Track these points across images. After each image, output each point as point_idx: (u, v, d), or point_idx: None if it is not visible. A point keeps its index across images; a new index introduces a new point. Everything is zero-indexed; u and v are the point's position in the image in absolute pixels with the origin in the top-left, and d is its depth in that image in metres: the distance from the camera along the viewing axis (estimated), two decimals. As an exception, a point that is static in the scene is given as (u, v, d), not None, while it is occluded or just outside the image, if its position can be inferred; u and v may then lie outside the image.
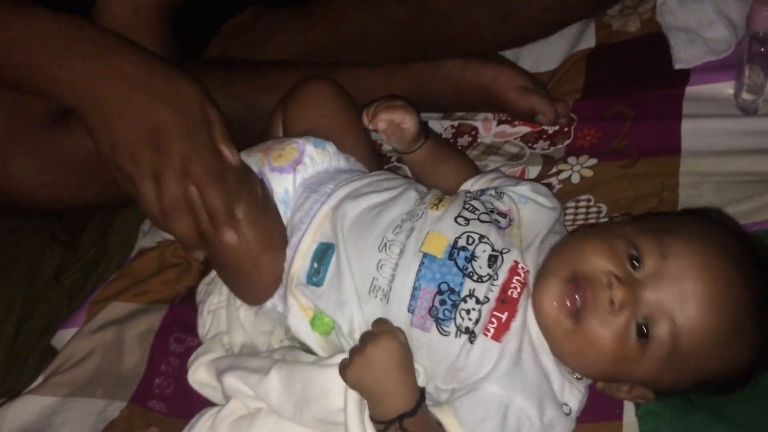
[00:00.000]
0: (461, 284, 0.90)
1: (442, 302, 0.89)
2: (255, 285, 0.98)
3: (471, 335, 0.89)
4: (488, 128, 1.30)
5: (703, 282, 0.85)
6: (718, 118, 1.20)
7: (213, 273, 1.09)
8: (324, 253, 0.95)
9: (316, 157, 1.02)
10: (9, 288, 1.21)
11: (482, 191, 1.01)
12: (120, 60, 0.94)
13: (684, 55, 1.28)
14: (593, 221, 1.12)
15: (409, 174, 1.14)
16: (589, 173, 1.18)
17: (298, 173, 1.01)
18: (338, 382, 0.87)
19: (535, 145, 1.26)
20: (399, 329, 0.89)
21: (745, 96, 1.19)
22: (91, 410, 1.04)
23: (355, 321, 0.92)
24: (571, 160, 1.21)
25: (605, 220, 1.11)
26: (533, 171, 1.21)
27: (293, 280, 0.95)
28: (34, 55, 0.94)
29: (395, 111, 1.02)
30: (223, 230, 0.94)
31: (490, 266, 0.90)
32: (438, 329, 0.89)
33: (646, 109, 1.23)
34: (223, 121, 0.96)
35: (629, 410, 0.93)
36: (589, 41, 1.36)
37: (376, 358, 0.85)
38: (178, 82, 0.95)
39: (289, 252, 0.97)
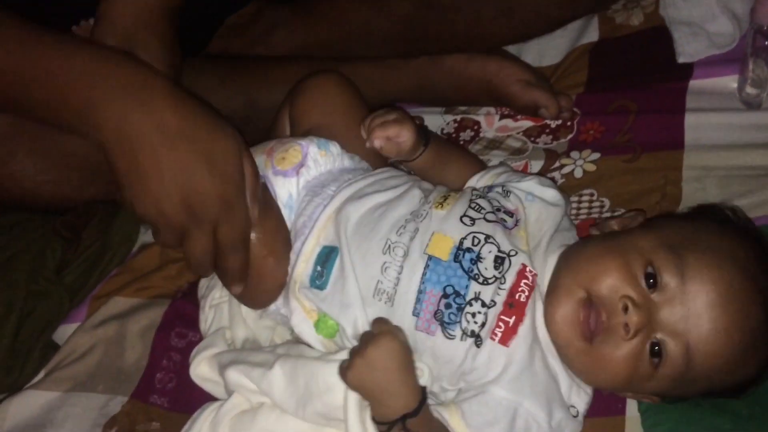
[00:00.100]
0: (466, 287, 0.89)
1: (448, 306, 0.88)
2: (259, 291, 0.97)
3: (477, 339, 0.88)
4: (491, 122, 1.30)
5: (720, 305, 0.84)
6: (721, 112, 1.19)
7: (214, 268, 1.09)
8: (327, 256, 0.94)
9: (320, 159, 1.01)
10: (11, 283, 1.20)
11: (489, 188, 1.00)
12: (162, 104, 0.88)
13: (687, 49, 1.27)
14: (596, 216, 1.12)
15: (414, 169, 1.14)
16: (592, 167, 1.18)
17: (302, 176, 1.00)
18: (342, 378, 0.87)
19: (537, 140, 1.25)
20: (399, 328, 0.89)
21: (749, 90, 1.19)
22: (93, 405, 1.04)
23: (359, 324, 0.91)
24: (574, 154, 1.21)
25: (608, 214, 1.10)
26: (536, 165, 1.21)
27: (296, 283, 0.95)
28: (71, 90, 0.89)
29: (390, 127, 1.00)
30: (232, 285, 0.95)
31: (496, 268, 0.89)
32: (443, 333, 0.88)
33: (649, 103, 1.23)
34: (256, 175, 0.93)
35: (632, 405, 0.93)
36: (592, 35, 1.36)
37: (377, 359, 0.84)
38: (219, 137, 0.90)
39: (292, 256, 0.96)
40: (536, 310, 0.90)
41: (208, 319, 1.05)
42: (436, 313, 0.88)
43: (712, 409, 0.90)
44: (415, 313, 0.89)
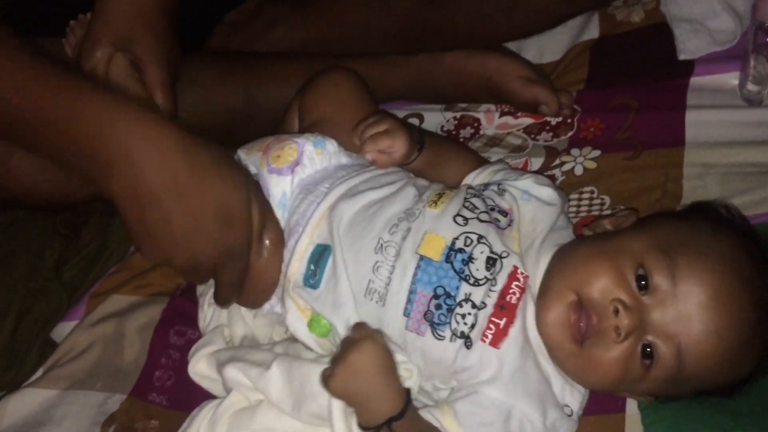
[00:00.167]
0: (457, 288, 0.88)
1: (438, 306, 0.88)
2: (252, 293, 0.97)
3: (467, 340, 0.87)
4: (491, 120, 1.29)
5: (711, 307, 0.84)
6: (722, 109, 1.19)
7: (214, 265, 1.09)
8: (321, 254, 0.94)
9: (316, 158, 1.00)
10: (9, 281, 1.21)
11: (485, 186, 1.00)
12: (175, 160, 0.87)
13: (688, 46, 1.27)
14: (596, 213, 1.11)
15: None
16: (592, 165, 1.18)
17: (297, 175, 1.00)
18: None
19: (538, 137, 1.25)
20: (378, 331, 0.88)
21: (750, 87, 1.19)
22: (91, 403, 1.04)
23: (351, 324, 0.90)
24: (575, 151, 1.20)
25: (608, 212, 1.10)
26: (536, 163, 1.21)
27: (290, 282, 0.95)
28: (86, 139, 0.87)
29: (381, 140, 0.98)
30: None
31: (487, 269, 0.89)
32: (433, 334, 0.88)
33: (650, 100, 1.23)
34: (264, 213, 0.94)
35: (632, 402, 0.93)
36: (593, 32, 1.35)
37: (359, 365, 0.84)
38: (228, 187, 0.90)
39: (286, 254, 0.96)
40: (527, 311, 0.89)
41: (207, 316, 1.05)
42: (426, 314, 0.88)
43: (712, 406, 0.89)
44: (406, 314, 0.89)
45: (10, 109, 0.88)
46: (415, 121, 1.32)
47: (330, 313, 0.92)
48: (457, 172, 1.04)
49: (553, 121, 1.26)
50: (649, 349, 0.85)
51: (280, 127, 1.15)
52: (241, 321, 1.02)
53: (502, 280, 0.89)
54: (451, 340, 0.88)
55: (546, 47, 1.36)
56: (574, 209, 1.13)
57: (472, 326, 0.87)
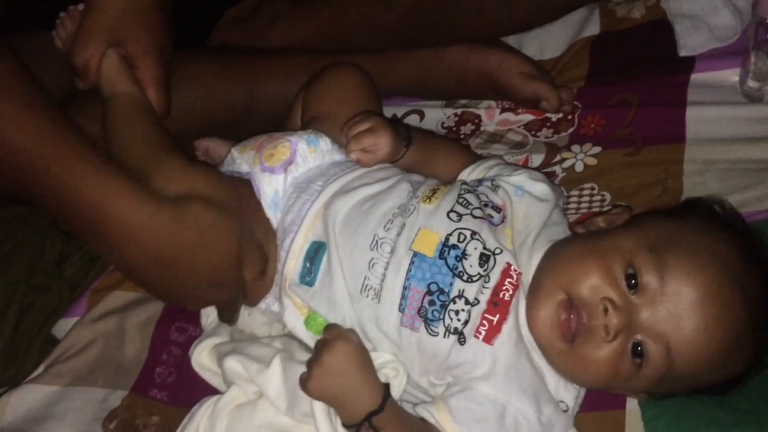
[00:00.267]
0: (451, 284, 0.89)
1: (431, 303, 0.88)
2: (247, 293, 0.98)
3: (460, 336, 0.88)
4: (491, 116, 1.29)
5: (701, 306, 0.84)
6: (723, 105, 1.19)
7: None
8: (316, 252, 0.94)
9: (309, 156, 1.00)
10: (10, 277, 1.20)
11: (479, 182, 1.00)
12: (163, 228, 0.92)
13: (689, 42, 1.27)
14: (597, 209, 1.11)
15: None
16: (593, 161, 1.18)
17: (290, 173, 1.00)
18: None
19: (538, 133, 1.25)
20: (352, 330, 0.89)
21: (751, 83, 1.19)
22: (93, 399, 1.04)
23: (347, 321, 0.91)
24: (575, 148, 1.20)
25: (608, 208, 1.10)
26: (537, 159, 1.21)
27: (287, 280, 0.95)
28: (84, 204, 0.92)
29: (364, 138, 0.98)
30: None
31: (481, 266, 0.89)
32: (427, 329, 0.88)
33: (650, 97, 1.23)
34: (255, 253, 0.96)
35: (632, 398, 0.93)
36: (594, 28, 1.35)
37: (334, 364, 0.85)
38: (217, 254, 0.94)
39: (282, 253, 0.96)
40: (520, 308, 0.90)
41: (208, 313, 1.05)
42: (419, 310, 0.88)
43: (713, 403, 0.89)
44: (401, 309, 0.89)
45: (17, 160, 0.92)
46: (415, 117, 1.32)
47: (326, 310, 0.92)
48: (449, 168, 1.04)
49: (554, 117, 1.26)
50: (639, 348, 0.85)
51: (284, 121, 1.16)
52: (240, 318, 1.03)
53: (495, 277, 0.89)
54: (444, 336, 0.88)
55: (547, 44, 1.36)
56: (574, 205, 1.13)
57: (466, 322, 0.88)
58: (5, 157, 0.91)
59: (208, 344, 0.99)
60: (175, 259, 0.92)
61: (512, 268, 0.90)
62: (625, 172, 1.15)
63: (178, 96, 1.18)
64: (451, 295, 0.88)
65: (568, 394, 0.90)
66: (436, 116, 1.31)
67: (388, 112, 1.25)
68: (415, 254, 0.90)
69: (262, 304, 0.99)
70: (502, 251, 0.90)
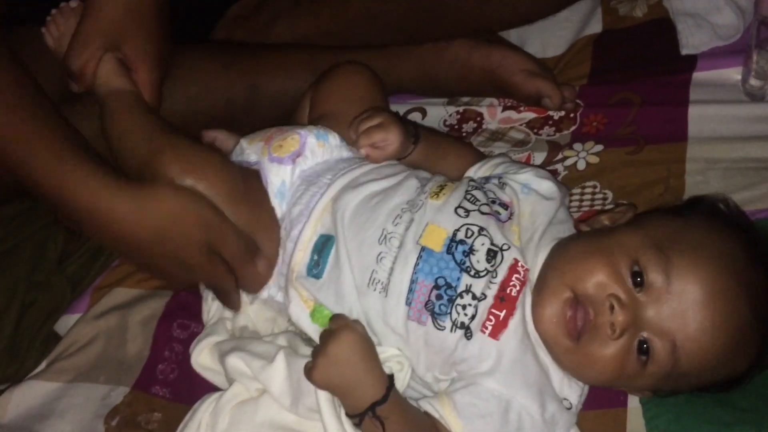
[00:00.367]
0: (458, 279, 0.89)
1: (439, 297, 0.89)
2: (248, 276, 0.98)
3: (467, 331, 0.88)
4: (493, 114, 1.29)
5: (706, 304, 0.84)
6: (725, 104, 1.19)
7: (217, 259, 1.09)
8: (324, 245, 0.94)
9: (317, 150, 1.01)
10: (12, 274, 1.21)
11: (486, 179, 1.00)
12: (140, 224, 0.94)
13: (691, 41, 1.27)
14: (599, 208, 1.11)
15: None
16: (595, 160, 1.18)
17: (297, 165, 1.00)
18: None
19: (540, 131, 1.25)
20: (357, 321, 0.89)
21: (753, 82, 1.19)
22: (95, 396, 1.04)
23: (354, 313, 0.91)
24: (577, 146, 1.20)
25: (611, 207, 1.10)
26: (539, 157, 1.21)
27: (294, 272, 0.95)
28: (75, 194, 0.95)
29: (374, 134, 0.99)
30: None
31: (488, 261, 0.89)
32: (434, 323, 0.89)
33: (652, 95, 1.23)
34: (235, 241, 0.97)
35: (633, 396, 0.93)
36: (596, 26, 1.35)
37: (339, 354, 0.85)
38: (184, 244, 0.95)
39: (290, 244, 0.96)
40: (527, 304, 0.90)
41: (210, 310, 1.05)
42: (426, 304, 0.89)
43: (714, 402, 0.89)
44: (408, 303, 0.89)
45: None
46: (417, 115, 1.32)
47: (333, 303, 0.92)
48: (456, 166, 1.04)
49: (556, 115, 1.26)
50: (645, 346, 0.85)
51: (290, 118, 1.16)
52: (244, 314, 1.03)
53: (502, 272, 0.89)
54: (451, 331, 0.88)
55: (549, 42, 1.36)
56: (576, 204, 1.13)
57: (473, 317, 0.88)
58: None
59: (208, 343, 0.99)
60: (141, 242, 0.94)
61: (519, 264, 0.90)
62: (627, 170, 1.15)
63: (180, 90, 1.18)
64: (459, 290, 0.88)
65: (572, 392, 0.90)
66: (438, 114, 1.31)
67: (391, 109, 1.25)
68: (423, 249, 0.90)
69: (265, 293, 0.99)
70: (509, 247, 0.90)
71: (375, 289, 0.90)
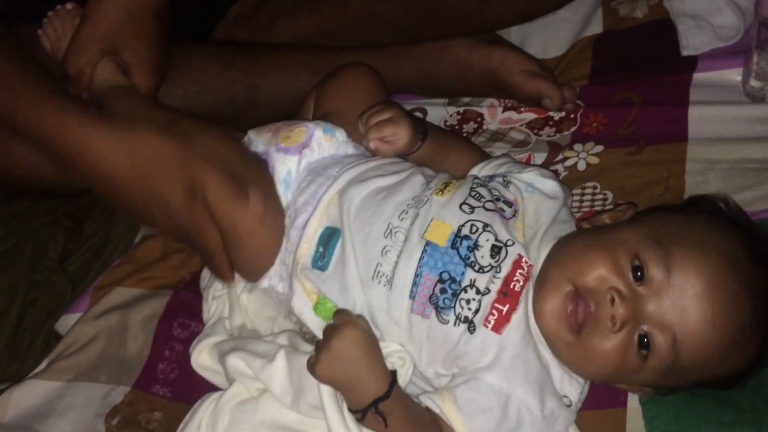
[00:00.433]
0: (462, 274, 0.89)
1: (443, 291, 0.89)
2: (245, 254, 0.98)
3: (470, 325, 0.88)
4: (494, 115, 1.29)
5: (706, 297, 0.84)
6: (725, 105, 1.19)
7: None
8: (330, 237, 0.95)
9: (324, 144, 1.02)
10: (13, 273, 1.21)
11: (490, 177, 1.01)
12: (119, 157, 0.96)
13: (692, 42, 1.27)
14: (599, 208, 1.12)
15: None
16: (595, 160, 1.18)
17: (304, 156, 1.01)
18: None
19: (541, 132, 1.25)
20: (361, 317, 0.90)
21: (753, 83, 1.19)
22: (95, 395, 1.04)
23: (357, 307, 0.92)
24: (578, 146, 1.20)
25: (611, 207, 1.10)
26: (539, 158, 1.21)
27: (299, 264, 0.95)
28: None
29: (384, 127, 0.99)
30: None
31: (492, 257, 0.90)
32: (437, 317, 0.89)
33: (653, 96, 1.23)
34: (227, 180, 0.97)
35: (633, 397, 0.93)
36: (596, 27, 1.35)
37: (342, 350, 0.86)
38: (165, 181, 0.96)
39: (293, 233, 0.97)
40: (530, 300, 0.90)
41: (210, 309, 1.05)
42: (431, 297, 0.89)
43: (714, 402, 0.90)
44: (412, 296, 0.90)
45: None
46: (418, 115, 1.32)
47: (337, 295, 0.93)
48: (461, 165, 1.05)
49: (556, 116, 1.26)
50: (645, 340, 0.85)
51: (293, 117, 1.16)
52: (239, 312, 1.03)
53: (506, 268, 0.90)
54: (455, 325, 0.89)
55: (549, 42, 1.36)
56: (576, 204, 1.13)
57: (476, 311, 0.88)
58: None
59: (208, 344, 0.99)
60: (119, 179, 0.96)
61: (524, 260, 0.91)
62: (628, 171, 1.15)
63: (180, 89, 1.18)
64: (463, 284, 0.89)
65: (573, 389, 0.90)
66: (438, 114, 1.31)
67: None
68: (428, 243, 0.91)
69: (265, 282, 0.99)
70: (513, 243, 0.91)
71: (379, 282, 0.91)
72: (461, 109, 1.31)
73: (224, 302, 1.04)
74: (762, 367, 0.89)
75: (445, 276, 0.89)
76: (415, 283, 0.90)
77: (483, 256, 0.90)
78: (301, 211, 0.97)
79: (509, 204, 0.95)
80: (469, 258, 0.90)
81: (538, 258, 0.92)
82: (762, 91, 1.18)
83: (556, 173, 1.16)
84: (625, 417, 0.92)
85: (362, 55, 1.25)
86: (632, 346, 0.86)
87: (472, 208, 0.93)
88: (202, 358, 0.99)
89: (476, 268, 0.89)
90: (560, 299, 0.87)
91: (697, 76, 1.23)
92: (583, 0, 1.37)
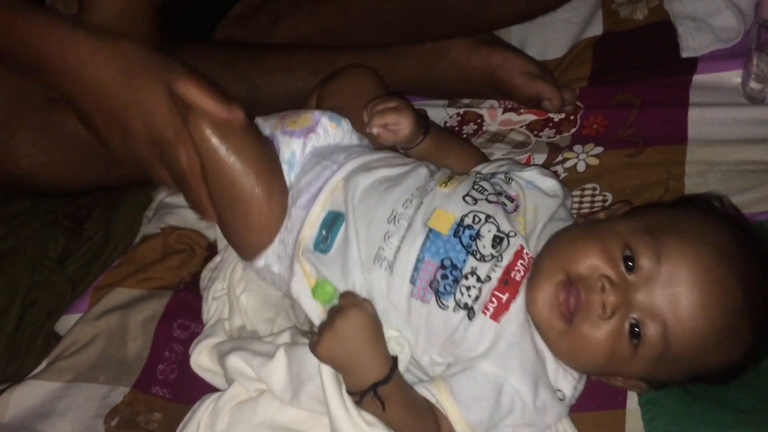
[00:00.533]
0: (464, 261, 0.90)
1: (444, 276, 0.90)
2: (250, 220, 0.97)
3: (470, 312, 0.89)
4: (494, 116, 1.30)
5: (696, 285, 0.85)
6: (725, 106, 1.19)
7: (217, 259, 1.09)
8: (333, 221, 0.96)
9: (330, 130, 1.03)
10: (13, 273, 1.21)
11: (492, 174, 1.02)
12: (102, 62, 0.95)
13: (692, 43, 1.27)
14: (599, 210, 1.11)
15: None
16: (595, 162, 1.18)
17: (309, 140, 1.02)
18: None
19: (540, 133, 1.25)
20: (367, 300, 0.90)
21: (753, 85, 1.19)
22: (95, 395, 1.04)
23: (357, 290, 0.92)
24: (577, 148, 1.21)
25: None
26: (539, 159, 1.21)
27: (300, 246, 0.96)
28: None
29: (388, 115, 1.00)
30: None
31: (494, 247, 0.91)
32: (437, 302, 0.90)
33: (652, 98, 1.23)
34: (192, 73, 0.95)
35: (632, 398, 0.94)
36: (597, 29, 1.35)
37: (346, 331, 0.86)
38: (143, 89, 0.94)
39: (296, 212, 0.97)
40: None
41: (210, 310, 1.05)
42: (431, 283, 0.90)
43: (713, 403, 0.90)
44: (412, 281, 0.90)
45: None
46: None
47: (339, 278, 0.93)
48: (461, 165, 1.06)
49: (556, 117, 1.26)
50: (636, 329, 0.86)
51: None
52: (238, 313, 1.03)
53: (508, 257, 0.91)
54: (454, 311, 0.89)
55: (550, 44, 1.36)
56: (576, 206, 1.13)
57: (476, 298, 0.89)
58: None
59: (207, 345, 0.99)
60: (88, 90, 0.95)
61: (525, 251, 0.91)
62: (627, 172, 1.15)
63: None
64: (464, 272, 0.90)
65: (567, 383, 0.91)
66: (438, 116, 1.31)
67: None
68: (431, 230, 0.91)
69: (261, 261, 0.99)
70: (515, 234, 0.92)
71: (381, 266, 0.91)
72: (461, 111, 1.31)
73: (224, 303, 1.04)
74: (756, 361, 0.90)
75: (447, 262, 0.90)
76: (416, 268, 0.90)
77: (485, 245, 0.91)
78: (304, 191, 0.98)
79: (511, 199, 0.96)
80: (471, 246, 0.90)
81: (536, 251, 0.93)
82: (762, 93, 1.18)
83: (555, 174, 1.17)
84: (624, 418, 0.92)
85: (362, 55, 1.25)
86: (623, 334, 0.86)
87: (475, 200, 0.94)
88: (202, 359, 0.99)
89: (478, 256, 0.90)
90: (552, 287, 0.88)
91: (697, 78, 1.24)
92: (583, 1, 1.38)
